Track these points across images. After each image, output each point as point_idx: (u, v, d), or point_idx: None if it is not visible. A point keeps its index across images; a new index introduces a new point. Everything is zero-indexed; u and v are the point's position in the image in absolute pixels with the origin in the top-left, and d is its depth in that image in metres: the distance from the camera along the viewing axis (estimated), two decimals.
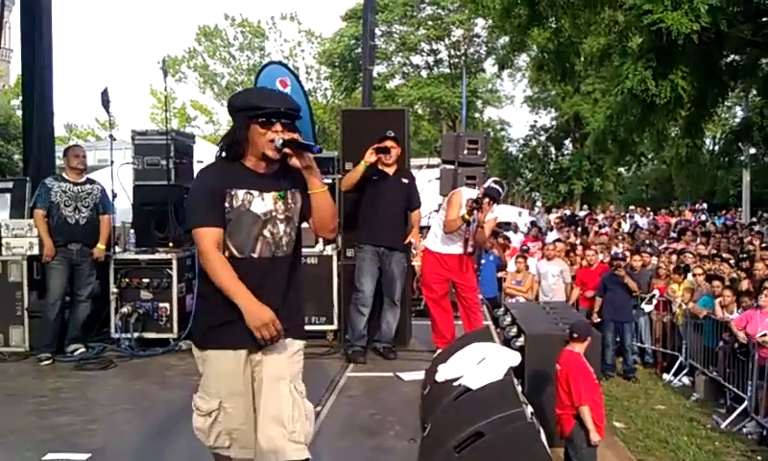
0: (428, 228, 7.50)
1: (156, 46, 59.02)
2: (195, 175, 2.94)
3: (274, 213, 2.74)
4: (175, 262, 6.59)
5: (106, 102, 7.16)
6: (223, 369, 2.73)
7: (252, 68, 35.45)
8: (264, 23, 39.51)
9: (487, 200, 5.74)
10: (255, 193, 2.71)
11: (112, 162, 7.05)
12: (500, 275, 11.55)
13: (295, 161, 2.67)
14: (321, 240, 6.70)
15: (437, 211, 7.68)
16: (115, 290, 6.56)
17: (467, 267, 6.19)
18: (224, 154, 2.78)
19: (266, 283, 2.71)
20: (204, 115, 42.23)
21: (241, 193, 2.70)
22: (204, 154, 9.65)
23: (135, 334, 6.51)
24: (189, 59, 39.84)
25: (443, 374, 4.31)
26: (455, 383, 4.03)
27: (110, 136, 7.42)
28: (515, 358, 4.10)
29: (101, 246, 6.47)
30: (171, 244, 6.91)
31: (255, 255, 2.72)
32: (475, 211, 5.76)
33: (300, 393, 2.77)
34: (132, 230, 7.94)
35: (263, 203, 2.72)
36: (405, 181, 6.22)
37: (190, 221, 2.70)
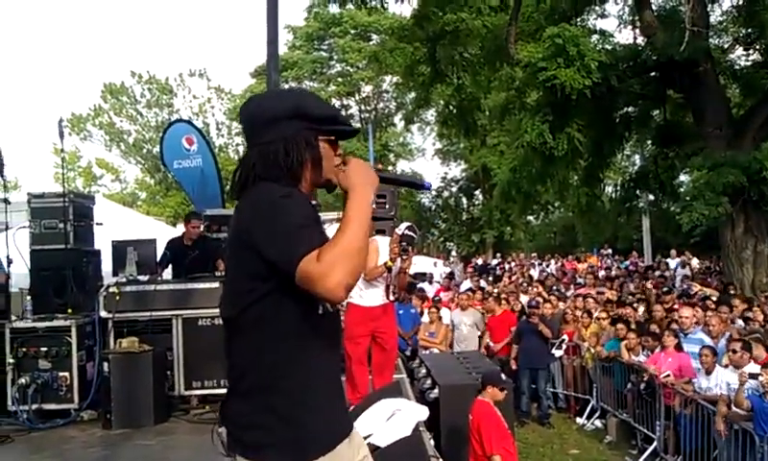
0: None
1: (61, 103, 57.27)
2: (280, 201, 1.90)
3: None
4: (74, 329, 6.31)
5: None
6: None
7: (161, 125, 34.77)
8: (172, 80, 39.04)
9: (409, 247, 5.81)
10: None
11: (8, 227, 6.78)
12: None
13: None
14: None
15: None
16: (12, 361, 6.21)
17: (389, 314, 6.18)
18: (285, 176, 1.99)
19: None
20: (110, 174, 41.09)
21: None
22: (109, 214, 9.35)
23: (34, 406, 6.16)
24: (95, 116, 38.79)
25: None
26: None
27: (5, 200, 7.16)
28: (423, 413, 4.10)
29: None
30: (70, 310, 6.63)
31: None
32: (398, 258, 5.80)
33: None
34: (29, 297, 7.59)
35: None
36: None
37: (305, 243, 1.78)
